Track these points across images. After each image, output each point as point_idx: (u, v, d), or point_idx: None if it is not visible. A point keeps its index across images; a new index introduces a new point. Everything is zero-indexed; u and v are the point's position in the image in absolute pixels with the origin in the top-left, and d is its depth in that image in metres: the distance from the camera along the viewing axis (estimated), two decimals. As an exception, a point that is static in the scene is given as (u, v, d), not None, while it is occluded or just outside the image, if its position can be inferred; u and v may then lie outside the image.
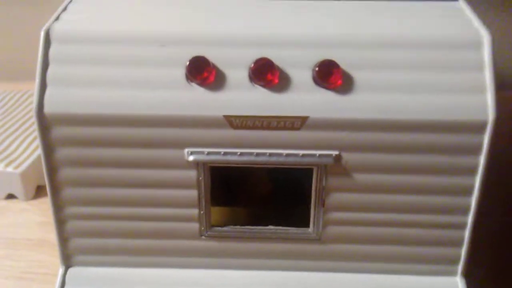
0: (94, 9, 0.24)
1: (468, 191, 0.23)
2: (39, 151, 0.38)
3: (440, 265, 0.25)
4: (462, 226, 0.24)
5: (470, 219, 0.24)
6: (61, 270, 0.26)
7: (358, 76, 0.22)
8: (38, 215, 0.37)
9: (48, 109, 0.22)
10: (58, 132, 0.23)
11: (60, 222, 0.25)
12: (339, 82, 0.22)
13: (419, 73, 0.22)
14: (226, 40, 0.23)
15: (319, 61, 0.22)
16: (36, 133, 0.35)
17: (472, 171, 0.23)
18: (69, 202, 0.24)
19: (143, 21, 0.24)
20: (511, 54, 0.54)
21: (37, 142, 0.45)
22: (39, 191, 0.40)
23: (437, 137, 0.22)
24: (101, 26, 0.23)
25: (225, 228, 0.25)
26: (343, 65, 0.22)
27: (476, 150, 0.22)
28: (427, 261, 0.25)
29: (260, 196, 0.26)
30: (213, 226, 0.25)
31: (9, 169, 0.37)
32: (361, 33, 0.23)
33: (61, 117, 0.22)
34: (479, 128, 0.22)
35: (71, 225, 0.25)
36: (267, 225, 0.25)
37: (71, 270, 0.26)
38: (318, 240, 0.25)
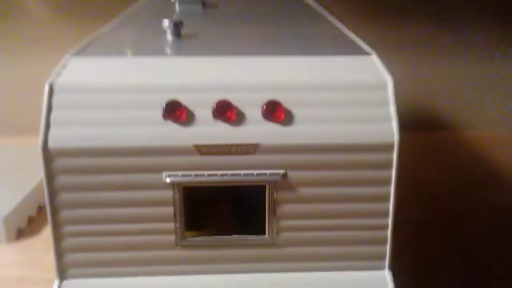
0: (87, 67, 0.31)
1: (386, 198, 0.30)
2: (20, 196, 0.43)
3: (371, 261, 0.31)
4: (385, 227, 0.30)
5: (390, 220, 0.30)
6: (56, 283, 0.30)
7: (296, 111, 0.29)
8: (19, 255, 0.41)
9: (51, 144, 0.28)
10: (58, 162, 0.28)
11: (57, 239, 0.29)
12: (282, 116, 0.29)
13: (342, 108, 0.29)
14: (194, 86, 0.29)
15: (266, 101, 0.29)
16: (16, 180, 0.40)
17: (387, 181, 0.29)
18: (65, 221, 0.29)
19: (127, 75, 0.30)
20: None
21: (18, 188, 0.49)
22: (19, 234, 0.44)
23: (358, 156, 0.29)
24: (95, 79, 0.29)
25: (197, 239, 0.30)
26: (284, 103, 0.29)
27: (388, 165, 0.29)
28: (359, 258, 0.31)
29: (225, 211, 0.32)
30: (186, 237, 0.30)
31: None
32: (297, 79, 0.30)
33: (61, 150, 0.28)
34: (388, 148, 0.29)
35: (66, 241, 0.30)
36: (231, 234, 0.30)
37: (65, 283, 0.30)
38: (273, 245, 0.30)
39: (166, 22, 0.36)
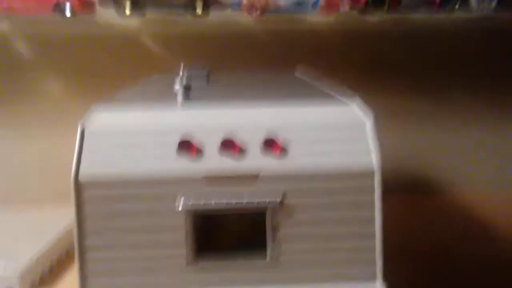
0: (111, 117, 0.36)
1: (371, 221, 0.34)
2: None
3: (364, 273, 0.34)
4: (373, 248, 0.34)
5: (377, 242, 0.34)
6: (78, 308, 0.33)
7: (290, 148, 0.34)
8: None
9: (81, 177, 0.33)
10: (86, 193, 0.33)
11: (82, 265, 0.33)
12: (278, 151, 0.34)
13: (329, 144, 0.35)
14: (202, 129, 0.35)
15: (265, 138, 0.34)
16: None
17: (372, 205, 0.34)
18: (90, 247, 0.33)
19: (145, 123, 0.36)
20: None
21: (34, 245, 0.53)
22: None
23: (345, 183, 0.34)
24: (117, 125, 0.35)
25: (205, 262, 0.34)
26: (280, 141, 0.34)
27: (371, 190, 0.34)
28: (356, 270, 0.34)
29: (230, 236, 0.36)
30: (196, 260, 0.34)
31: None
32: (288, 123, 0.35)
33: (89, 183, 0.33)
34: (370, 175, 0.34)
35: (90, 266, 0.33)
36: (236, 258, 0.34)
37: (86, 306, 0.33)
38: (273, 267, 0.34)
39: (177, 85, 0.42)
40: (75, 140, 0.34)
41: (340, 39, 0.77)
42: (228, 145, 0.34)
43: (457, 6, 0.69)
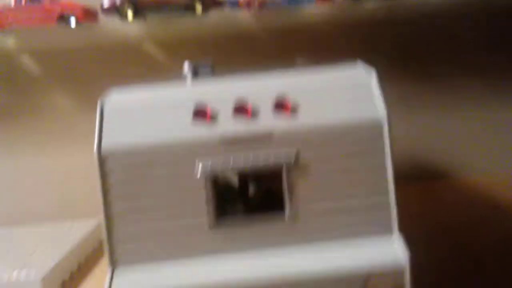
0: (126, 94, 0.38)
1: (384, 168, 0.35)
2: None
3: (381, 226, 0.36)
4: (387, 194, 0.35)
5: (391, 187, 0.35)
6: (109, 271, 0.34)
7: (301, 108, 0.36)
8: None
9: (103, 149, 0.34)
10: (110, 164, 0.34)
11: (109, 232, 0.35)
12: (289, 111, 0.36)
13: (337, 101, 0.36)
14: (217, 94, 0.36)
15: (276, 100, 0.36)
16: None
17: (383, 153, 0.35)
18: (116, 214, 0.35)
19: (160, 96, 0.37)
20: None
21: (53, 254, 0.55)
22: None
23: (356, 135, 0.35)
24: (133, 99, 0.37)
25: (227, 221, 0.35)
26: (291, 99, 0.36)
27: (381, 140, 0.35)
28: (372, 224, 0.36)
29: (249, 194, 0.37)
30: (218, 220, 0.35)
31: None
32: (296, 86, 0.37)
33: (111, 153, 0.34)
34: (379, 124, 0.35)
35: (117, 233, 0.35)
36: (255, 214, 0.36)
37: (117, 270, 0.35)
38: (292, 220, 0.35)
39: (185, 69, 0.44)
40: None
41: (337, 29, 0.79)
42: (241, 110, 0.36)
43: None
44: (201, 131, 0.35)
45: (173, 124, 0.36)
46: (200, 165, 0.35)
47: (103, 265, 0.61)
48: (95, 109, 0.83)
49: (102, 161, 0.34)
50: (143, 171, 0.35)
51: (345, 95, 0.37)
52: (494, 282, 0.44)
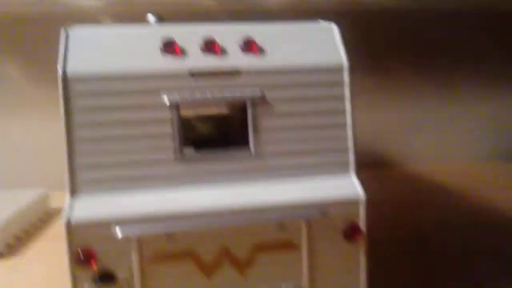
0: (89, 29, 0.38)
1: (343, 111, 0.37)
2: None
3: (340, 167, 0.37)
4: (346, 137, 0.37)
5: (349, 132, 0.37)
6: (68, 198, 0.34)
7: (268, 48, 0.37)
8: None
9: (68, 72, 0.34)
10: (73, 87, 0.34)
11: (70, 158, 0.34)
12: (257, 51, 0.37)
13: (302, 45, 0.38)
14: (185, 29, 0.37)
15: (244, 39, 0.37)
16: None
17: (343, 97, 0.37)
18: (78, 139, 0.34)
19: (127, 26, 0.38)
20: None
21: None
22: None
23: (319, 77, 0.37)
24: (100, 28, 0.37)
25: (193, 153, 0.36)
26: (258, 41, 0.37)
27: (341, 84, 0.37)
28: (331, 165, 0.37)
29: (215, 128, 0.38)
30: (183, 152, 0.35)
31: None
32: (264, 30, 0.38)
33: (76, 77, 0.34)
34: (340, 69, 0.37)
35: (78, 159, 0.34)
36: (221, 148, 0.36)
37: (76, 198, 0.34)
38: (256, 156, 0.36)
39: (149, 17, 0.44)
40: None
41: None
42: (210, 47, 0.36)
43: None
44: (170, 63, 0.36)
45: (141, 55, 0.36)
46: (167, 96, 0.35)
47: (50, 234, 0.59)
48: (46, 79, 0.80)
49: (66, 83, 0.34)
50: (109, 99, 0.34)
51: (309, 42, 0.38)
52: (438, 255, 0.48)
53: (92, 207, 0.33)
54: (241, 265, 0.35)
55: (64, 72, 0.34)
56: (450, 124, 1.01)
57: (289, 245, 0.35)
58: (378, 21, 0.89)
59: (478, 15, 0.97)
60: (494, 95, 1.04)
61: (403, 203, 0.69)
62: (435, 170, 0.93)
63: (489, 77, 1.04)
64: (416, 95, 0.97)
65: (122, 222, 0.33)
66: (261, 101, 0.36)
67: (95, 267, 0.33)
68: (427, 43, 0.95)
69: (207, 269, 0.34)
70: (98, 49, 0.35)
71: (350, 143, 0.38)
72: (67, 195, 0.34)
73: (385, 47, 0.92)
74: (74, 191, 0.34)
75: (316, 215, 0.35)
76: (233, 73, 0.36)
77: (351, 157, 0.38)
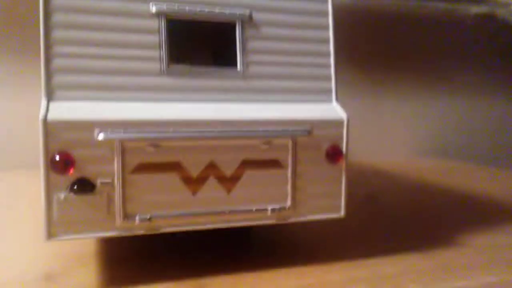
0: None
1: (327, 40, 0.38)
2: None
3: (322, 95, 0.38)
4: (328, 66, 0.38)
5: (332, 61, 0.38)
6: (44, 103, 0.31)
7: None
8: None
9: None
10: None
11: (47, 60, 0.31)
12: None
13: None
14: None
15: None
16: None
17: (327, 26, 0.38)
18: (56, 41, 0.31)
19: None
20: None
21: None
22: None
23: (305, 4, 0.38)
24: None
25: (180, 67, 0.34)
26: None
27: (325, 14, 0.38)
28: (315, 92, 0.38)
29: (204, 46, 0.37)
30: (170, 65, 0.34)
31: None
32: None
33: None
34: (325, 3, 0.38)
35: (56, 62, 0.31)
36: (209, 66, 0.35)
37: (52, 104, 0.31)
38: (243, 76, 0.36)
39: None
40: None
41: None
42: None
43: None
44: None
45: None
46: (155, 5, 0.34)
47: None
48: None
49: (45, -13, 0.32)
50: (93, 1, 0.33)
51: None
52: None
53: (71, 110, 0.31)
54: (228, 182, 0.34)
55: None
56: (387, 121, 1.07)
57: (275, 164, 0.35)
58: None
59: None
60: (431, 96, 1.12)
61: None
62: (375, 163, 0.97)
63: (424, 77, 1.12)
64: (355, 91, 1.01)
65: (104, 125, 0.31)
66: (249, 22, 0.36)
67: (73, 174, 0.30)
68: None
69: (192, 184, 0.33)
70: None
71: (333, 71, 0.38)
72: (43, 100, 0.31)
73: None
74: (50, 95, 0.31)
75: (302, 133, 0.35)
76: (222, -9, 0.36)
77: (333, 87, 0.38)
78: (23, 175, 0.68)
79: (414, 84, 1.12)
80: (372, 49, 1.06)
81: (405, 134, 1.12)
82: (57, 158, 0.30)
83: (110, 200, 0.31)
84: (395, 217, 0.52)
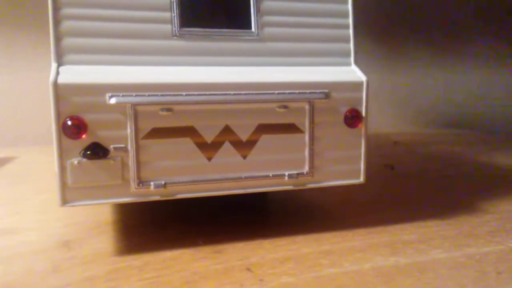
0: None
1: (346, 1, 0.36)
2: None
3: (341, 57, 0.36)
4: (347, 27, 0.36)
5: (350, 21, 0.36)
6: (54, 67, 0.30)
7: None
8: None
9: None
10: None
11: (56, 22, 0.30)
12: None
13: None
14: None
15: None
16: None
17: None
18: (65, 3, 0.31)
19: None
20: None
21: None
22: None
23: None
24: None
25: (192, 29, 0.33)
26: None
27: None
28: (334, 55, 0.36)
29: (217, 7, 0.35)
30: (182, 27, 0.33)
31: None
32: None
33: None
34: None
35: (65, 24, 0.31)
36: (223, 28, 0.34)
37: (62, 68, 0.30)
38: (258, 38, 0.35)
39: None
40: None
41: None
42: None
43: None
44: None
45: None
46: (164, -32, 0.32)
47: None
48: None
49: None
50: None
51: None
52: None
53: (82, 74, 0.30)
54: (244, 147, 0.33)
55: None
56: (404, 92, 1.05)
57: (292, 128, 0.34)
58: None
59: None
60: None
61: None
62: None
63: (439, 50, 1.08)
64: (370, 63, 0.99)
65: (116, 88, 0.30)
66: (263, -20, 0.35)
67: (86, 139, 0.30)
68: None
69: (207, 150, 0.32)
70: None
71: (351, 33, 0.37)
72: (53, 64, 0.30)
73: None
74: (60, 59, 0.31)
75: (319, 96, 0.34)
76: (235, -50, 0.34)
77: (352, 47, 0.37)
78: (37, 151, 0.68)
79: (431, 54, 1.09)
80: (389, 18, 1.03)
81: (422, 104, 1.10)
82: (69, 122, 0.29)
83: (124, 166, 0.30)
84: (415, 186, 0.51)
